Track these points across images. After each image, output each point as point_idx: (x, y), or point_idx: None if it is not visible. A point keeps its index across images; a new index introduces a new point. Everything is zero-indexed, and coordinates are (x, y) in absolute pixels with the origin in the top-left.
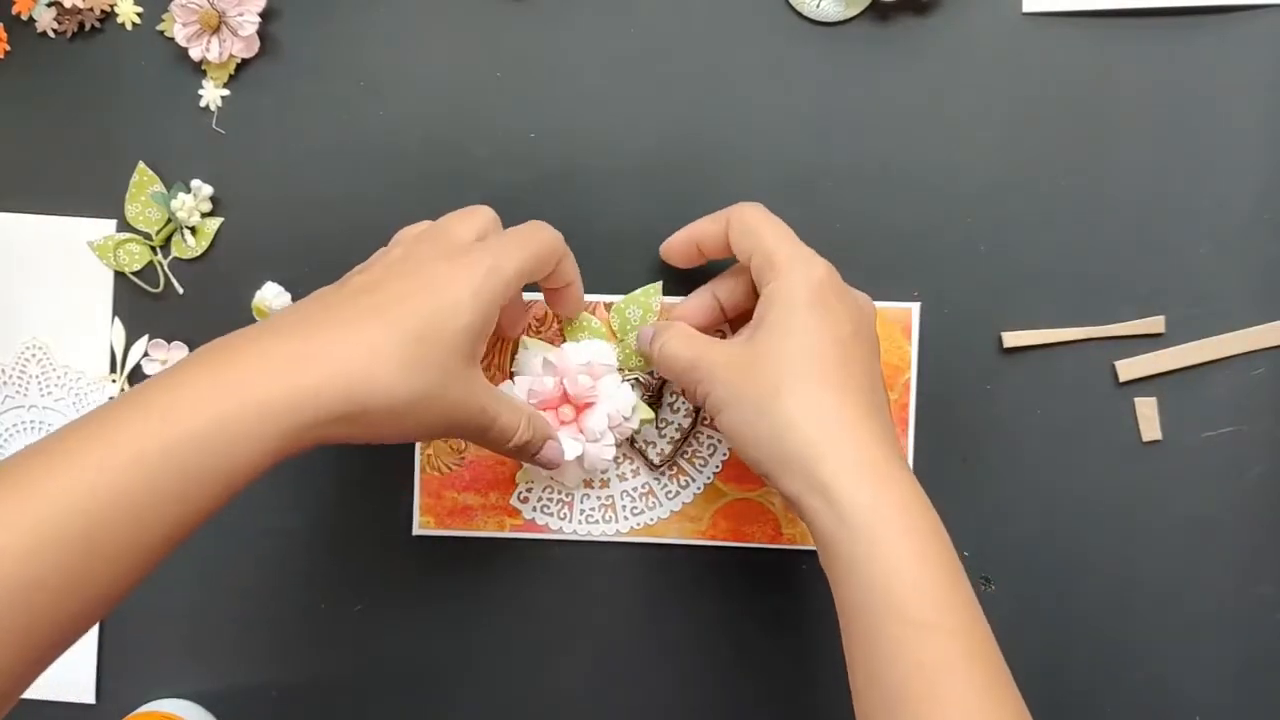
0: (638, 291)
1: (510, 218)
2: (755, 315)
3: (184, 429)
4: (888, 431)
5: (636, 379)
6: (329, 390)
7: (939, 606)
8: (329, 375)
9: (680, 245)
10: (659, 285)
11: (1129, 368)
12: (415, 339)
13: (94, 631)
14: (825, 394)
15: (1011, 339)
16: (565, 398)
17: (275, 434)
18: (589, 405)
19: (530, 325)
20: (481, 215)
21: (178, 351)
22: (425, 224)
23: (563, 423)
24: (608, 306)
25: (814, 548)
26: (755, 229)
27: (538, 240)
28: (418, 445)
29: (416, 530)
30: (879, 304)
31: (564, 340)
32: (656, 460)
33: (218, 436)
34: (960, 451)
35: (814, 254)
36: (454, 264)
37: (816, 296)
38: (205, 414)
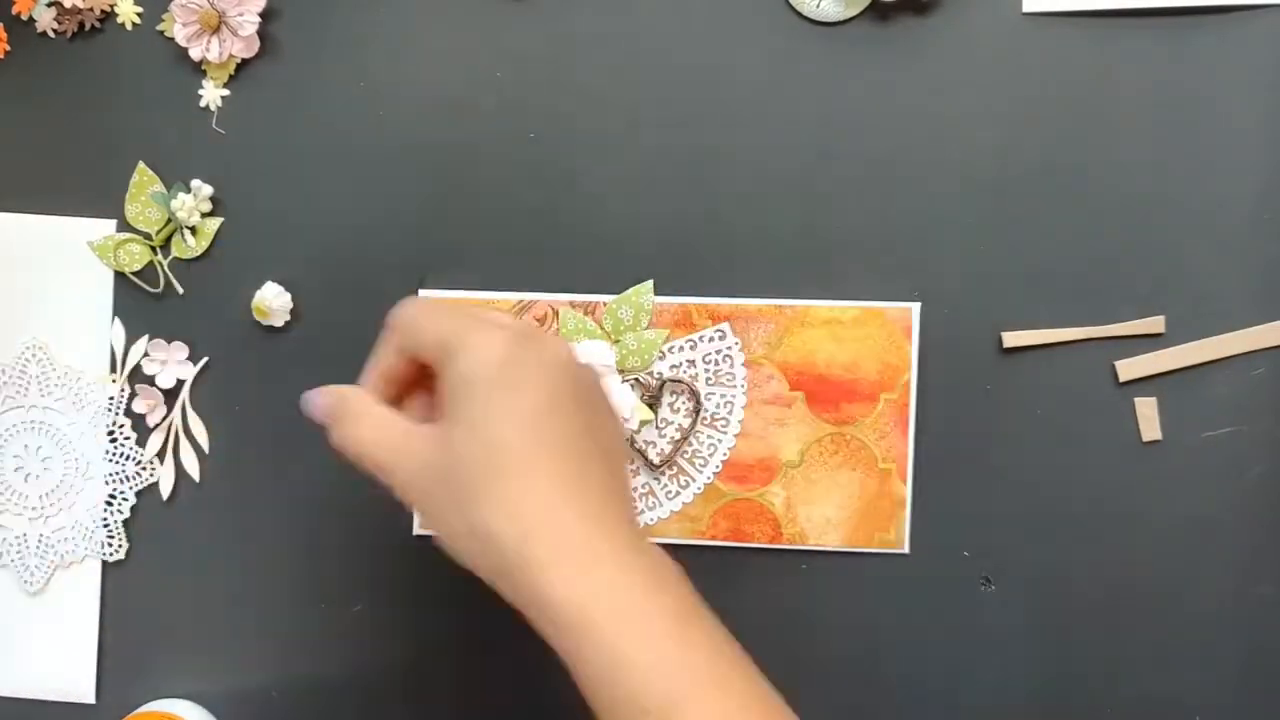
0: (629, 291)
1: (510, 218)
2: (440, 405)
3: None
4: (604, 501)
5: (636, 379)
6: None
7: (674, 689)
8: None
9: (373, 385)
10: (650, 284)
11: (1129, 368)
12: None
13: (94, 632)
14: (522, 486)
15: (1011, 339)
16: None
17: None
18: None
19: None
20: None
21: (178, 351)
22: None
23: None
24: (596, 309)
25: (815, 547)
26: (416, 327)
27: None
28: None
29: (417, 530)
30: (879, 304)
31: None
32: (656, 460)
33: None
34: (960, 451)
35: (487, 324)
36: None
37: (496, 375)
38: None
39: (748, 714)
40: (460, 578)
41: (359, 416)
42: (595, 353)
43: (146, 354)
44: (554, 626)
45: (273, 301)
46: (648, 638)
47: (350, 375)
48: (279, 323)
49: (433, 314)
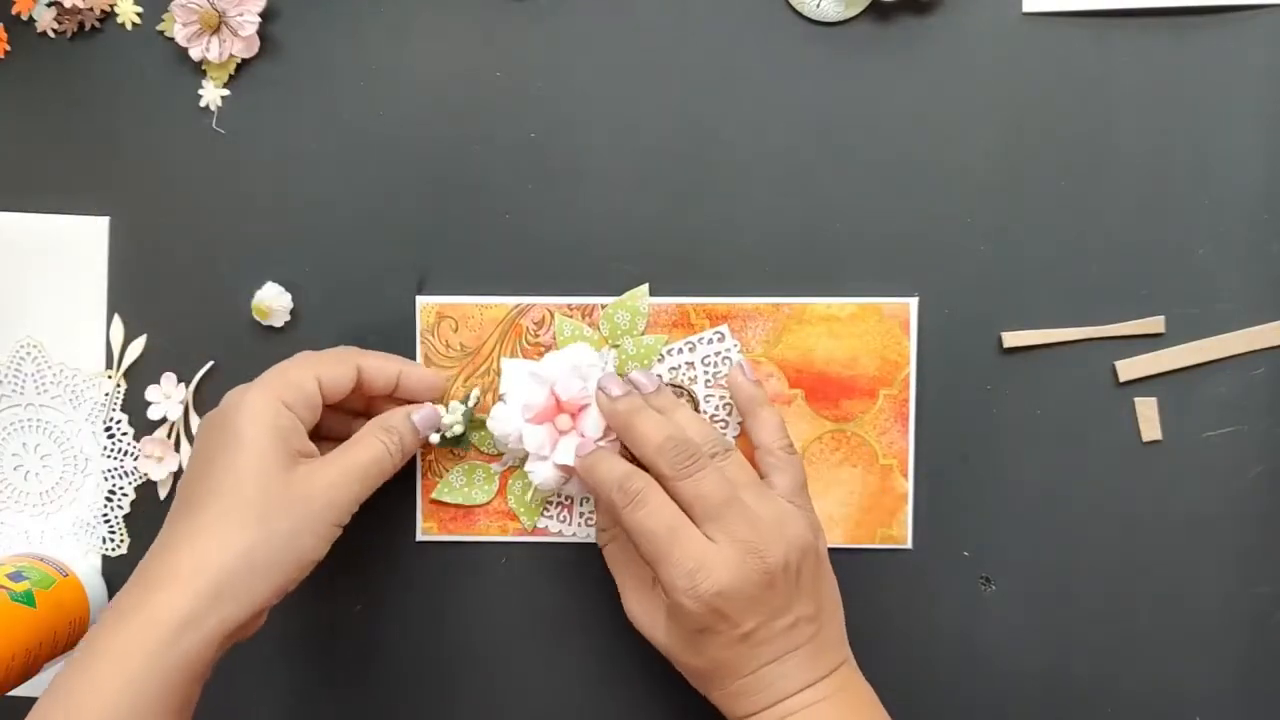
0: (625, 295)
1: (509, 219)
2: (668, 597)
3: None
4: (816, 657)
5: None
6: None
7: None
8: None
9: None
10: (645, 288)
11: (1129, 368)
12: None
13: None
14: (726, 683)
15: (1011, 339)
16: (559, 406)
17: (180, 655)
18: (583, 408)
19: (520, 331)
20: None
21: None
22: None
23: (561, 432)
24: (593, 313)
25: None
26: (638, 525)
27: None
28: (418, 452)
29: (419, 536)
30: (879, 300)
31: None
32: None
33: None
34: (960, 451)
35: (702, 567)
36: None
37: (703, 623)
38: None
39: None
40: (462, 581)
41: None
42: (578, 356)
43: (144, 354)
44: None
45: (273, 302)
46: None
47: None
48: (279, 323)
49: (656, 515)
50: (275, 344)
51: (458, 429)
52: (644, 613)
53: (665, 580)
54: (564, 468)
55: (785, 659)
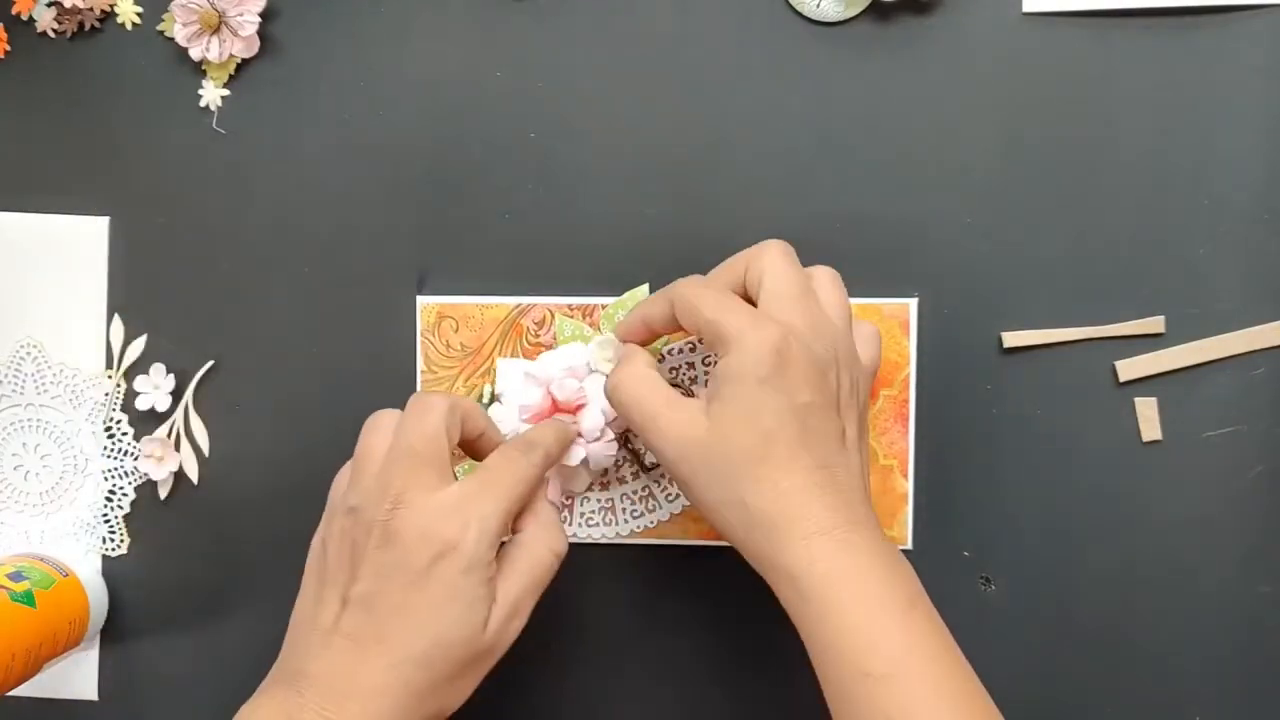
0: (625, 296)
1: (509, 218)
2: (710, 385)
3: None
4: (850, 492)
5: None
6: None
7: (895, 658)
8: None
9: (633, 327)
10: (645, 288)
11: (1129, 368)
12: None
13: (96, 632)
14: (787, 474)
15: (1011, 339)
16: (555, 406)
17: None
18: (580, 407)
19: (521, 331)
20: (434, 417)
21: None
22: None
23: None
24: (593, 313)
25: None
26: (694, 306)
27: (511, 477)
28: None
29: None
30: (879, 300)
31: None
32: (649, 464)
33: None
34: (960, 451)
35: (764, 319)
36: (440, 576)
37: (768, 370)
38: None
39: (955, 690)
40: None
41: (636, 372)
42: (574, 356)
43: (144, 353)
44: (797, 592)
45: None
46: (879, 613)
47: (352, 374)
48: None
49: (715, 301)
50: (276, 344)
51: None
52: (683, 416)
53: (734, 326)
54: (563, 467)
55: (834, 468)
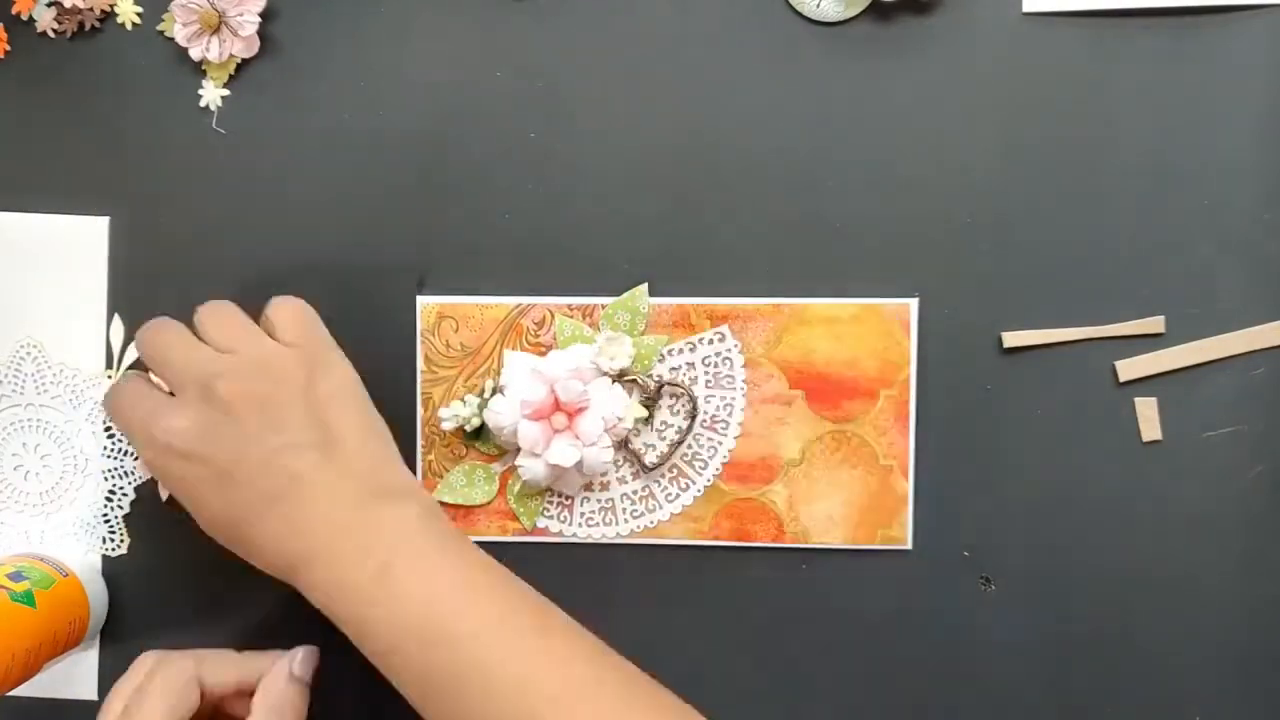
0: (625, 295)
1: (509, 218)
2: None
3: None
4: (375, 464)
5: (635, 380)
6: None
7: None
8: None
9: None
10: (644, 288)
11: (1129, 368)
12: None
13: (96, 631)
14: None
15: (1011, 339)
16: (557, 405)
17: None
18: (581, 411)
19: (521, 331)
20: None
21: None
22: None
23: (557, 430)
24: (593, 313)
25: (816, 545)
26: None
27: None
28: (419, 452)
29: None
30: (879, 300)
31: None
32: (650, 464)
33: None
34: (960, 451)
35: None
36: None
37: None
38: None
39: (512, 623)
40: None
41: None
42: (582, 358)
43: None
44: (330, 599)
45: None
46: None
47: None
48: None
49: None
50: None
51: (475, 422)
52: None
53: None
54: (556, 466)
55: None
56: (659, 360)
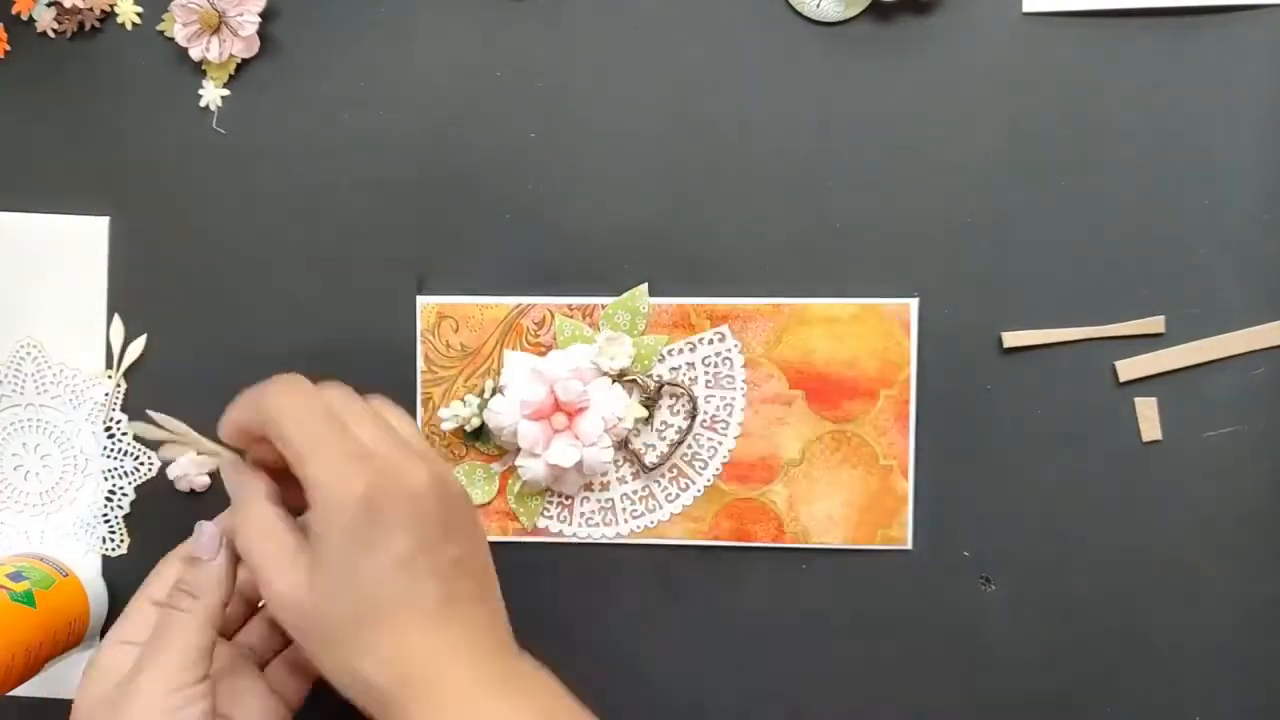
0: (625, 295)
1: (509, 219)
2: (309, 533)
3: None
4: (474, 638)
5: (635, 380)
6: None
7: None
8: None
9: (230, 432)
10: (644, 288)
11: (1129, 368)
12: None
13: (96, 631)
14: (394, 637)
15: (1011, 339)
16: (557, 405)
17: None
18: (581, 411)
19: (521, 331)
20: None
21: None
22: None
23: (557, 430)
24: (593, 313)
25: (816, 545)
26: (280, 422)
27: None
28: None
29: None
30: (879, 300)
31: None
32: (649, 464)
33: None
34: (960, 451)
35: (348, 461)
36: None
37: (357, 521)
38: None
39: None
40: None
41: (260, 511)
42: (583, 358)
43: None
44: None
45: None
46: None
47: (352, 374)
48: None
49: (300, 428)
50: (276, 344)
51: (475, 422)
52: (290, 576)
53: (317, 472)
54: (556, 467)
55: (458, 604)
56: (659, 360)
